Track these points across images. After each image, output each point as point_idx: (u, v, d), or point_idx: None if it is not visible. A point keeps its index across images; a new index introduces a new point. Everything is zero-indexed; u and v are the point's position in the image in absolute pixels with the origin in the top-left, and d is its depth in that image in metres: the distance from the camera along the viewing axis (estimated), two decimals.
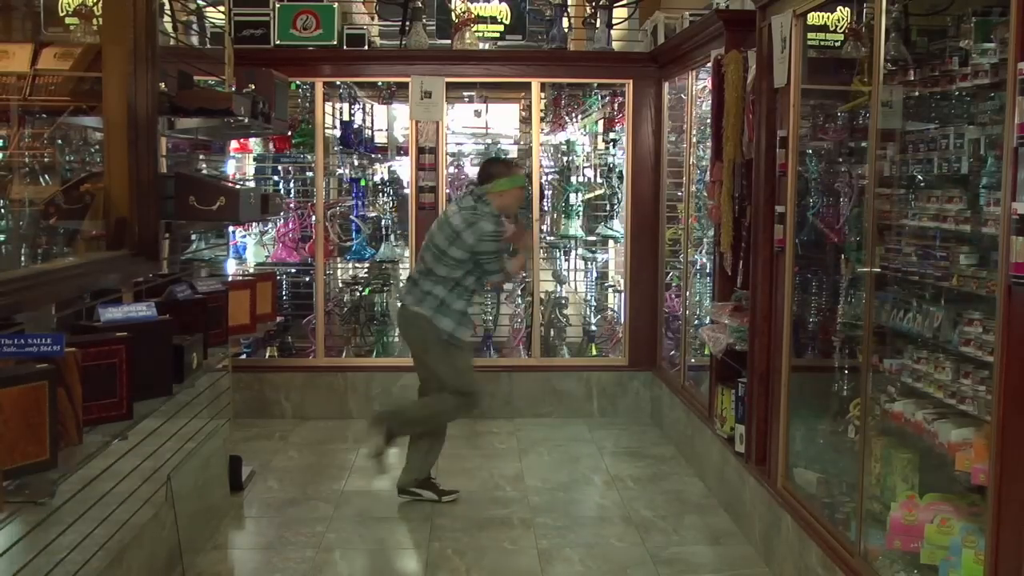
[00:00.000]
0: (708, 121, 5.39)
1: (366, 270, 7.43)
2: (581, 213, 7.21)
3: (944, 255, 3.22)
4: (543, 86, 6.93)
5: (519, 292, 7.04)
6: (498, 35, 6.67)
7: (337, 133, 7.25)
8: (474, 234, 4.65)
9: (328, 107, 6.98)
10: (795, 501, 3.97)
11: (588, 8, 7.14)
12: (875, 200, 3.43)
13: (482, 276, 4.81)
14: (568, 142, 7.60)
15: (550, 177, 7.21)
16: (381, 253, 7.03)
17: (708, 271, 5.71)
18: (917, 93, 3.48)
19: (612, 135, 7.14)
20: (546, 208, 7.10)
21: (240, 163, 7.12)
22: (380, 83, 7.31)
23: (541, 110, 6.98)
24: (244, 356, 6.61)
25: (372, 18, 7.75)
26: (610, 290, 7.57)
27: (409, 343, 4.98)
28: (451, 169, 6.86)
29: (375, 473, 5.07)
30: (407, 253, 6.85)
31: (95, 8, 4.02)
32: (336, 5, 6.42)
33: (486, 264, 4.73)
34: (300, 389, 6.58)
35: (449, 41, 6.59)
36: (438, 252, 4.72)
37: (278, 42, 6.35)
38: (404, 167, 7.13)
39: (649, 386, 6.67)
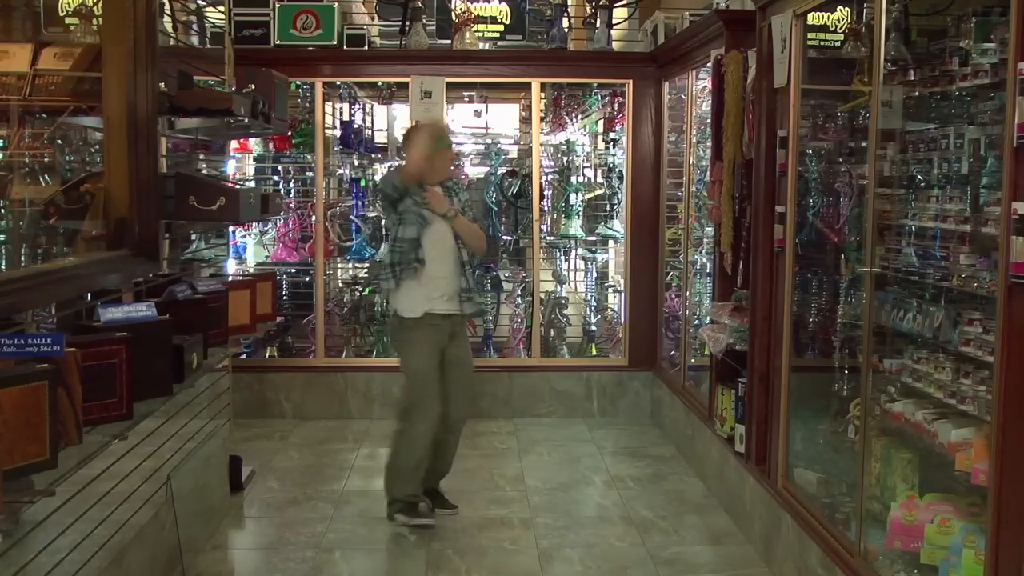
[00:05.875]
0: (708, 121, 5.39)
1: (366, 270, 7.43)
2: (581, 213, 7.21)
3: (944, 255, 3.22)
4: (543, 86, 6.93)
5: (519, 292, 7.04)
6: (498, 35, 6.67)
7: (337, 133, 7.25)
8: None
9: (328, 107, 6.97)
10: (795, 501, 3.96)
11: (588, 8, 7.14)
12: (875, 200, 3.43)
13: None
14: (568, 142, 7.60)
15: (550, 177, 7.21)
16: (381, 253, 7.03)
17: (708, 271, 5.71)
18: (917, 93, 3.48)
19: (612, 135, 7.14)
20: (546, 208, 7.10)
21: (240, 163, 7.11)
22: (380, 83, 7.31)
23: (541, 110, 6.98)
24: (244, 356, 6.60)
25: (372, 18, 7.75)
26: (610, 290, 7.57)
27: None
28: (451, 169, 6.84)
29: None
30: None
31: (95, 8, 4.02)
32: (336, 5, 6.43)
33: None
34: (300, 389, 6.58)
35: (449, 41, 6.59)
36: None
37: (278, 42, 6.35)
38: None
39: (649, 386, 6.67)
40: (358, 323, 7.06)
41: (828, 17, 4.54)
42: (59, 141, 3.92)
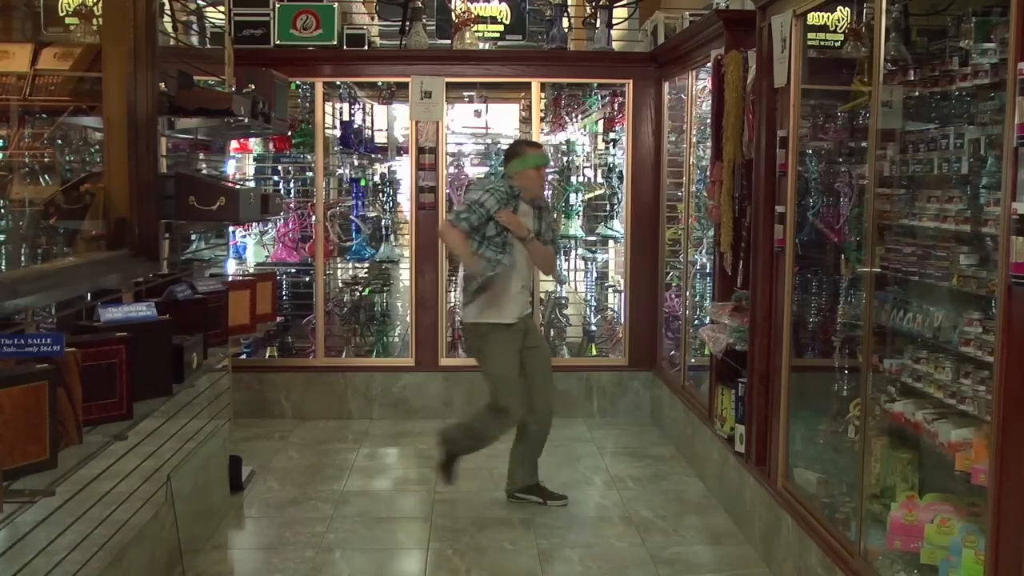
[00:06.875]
0: (708, 121, 5.39)
1: (366, 270, 7.43)
2: (581, 213, 7.22)
3: (944, 255, 3.22)
4: (543, 86, 6.93)
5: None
6: (498, 35, 6.67)
7: (337, 133, 7.25)
8: (467, 193, 4.68)
9: (328, 107, 6.98)
10: (795, 501, 3.96)
11: (588, 8, 7.15)
12: (875, 200, 3.43)
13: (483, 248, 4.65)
14: (568, 142, 7.60)
15: (550, 177, 7.21)
16: (381, 253, 7.04)
17: (708, 271, 5.71)
18: (917, 93, 3.48)
19: (612, 135, 7.14)
20: None
21: (240, 163, 7.12)
22: (380, 83, 7.31)
23: (541, 110, 6.98)
24: (244, 356, 6.60)
25: (372, 18, 7.75)
26: (610, 290, 7.57)
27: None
28: (451, 169, 6.86)
29: (442, 483, 5.01)
30: (406, 253, 6.84)
31: (95, 8, 4.02)
32: (336, 5, 6.43)
33: (454, 216, 4.67)
34: (300, 389, 6.58)
35: (449, 41, 6.59)
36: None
37: (278, 42, 6.35)
38: (404, 167, 7.13)
39: (649, 386, 6.67)
40: (358, 323, 7.07)
41: (828, 17, 4.54)
42: (59, 141, 3.92)
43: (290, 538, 4.45)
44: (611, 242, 7.37)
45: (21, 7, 4.50)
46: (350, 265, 7.48)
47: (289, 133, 6.61)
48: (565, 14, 6.79)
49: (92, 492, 3.15)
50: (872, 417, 3.52)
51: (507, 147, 5.06)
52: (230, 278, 5.11)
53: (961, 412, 3.08)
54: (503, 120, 8.69)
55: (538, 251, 4.78)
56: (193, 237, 5.15)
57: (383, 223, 7.07)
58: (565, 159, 7.33)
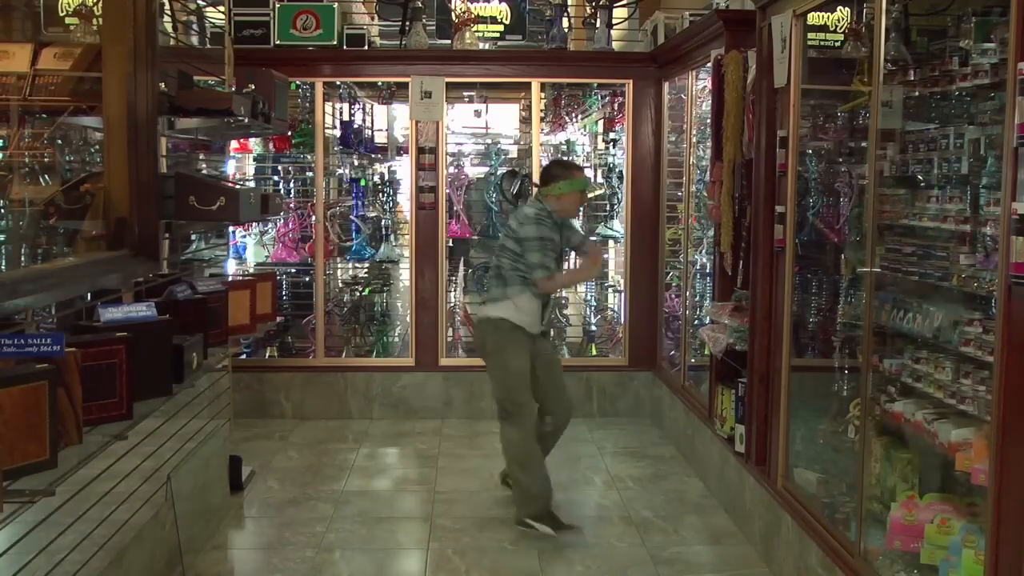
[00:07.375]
0: (708, 121, 5.40)
1: (366, 270, 7.43)
2: (581, 213, 7.21)
3: (944, 255, 3.22)
4: (543, 86, 6.93)
5: None
6: (498, 35, 6.67)
7: (337, 133, 7.25)
8: (516, 218, 4.61)
9: (328, 107, 6.98)
10: (795, 501, 3.97)
11: (588, 8, 7.15)
12: (875, 200, 3.44)
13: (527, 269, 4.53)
14: (568, 142, 7.60)
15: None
16: (381, 253, 7.04)
17: (708, 271, 5.71)
18: (917, 93, 3.48)
19: (612, 135, 7.14)
20: None
21: (240, 163, 7.12)
22: (380, 83, 7.31)
23: (541, 110, 6.98)
24: (244, 356, 6.61)
25: (372, 18, 7.75)
26: (610, 290, 7.57)
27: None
28: (451, 169, 6.86)
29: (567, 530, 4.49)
30: (406, 253, 6.84)
31: (95, 8, 4.02)
32: (336, 5, 6.43)
33: (527, 253, 4.48)
34: (300, 389, 6.58)
35: (449, 41, 6.59)
36: (502, 250, 4.63)
37: (278, 42, 6.35)
38: (404, 167, 7.13)
39: (649, 386, 6.67)
40: (358, 323, 7.07)
41: (828, 17, 4.54)
42: (59, 141, 3.92)
43: (290, 538, 4.45)
44: (611, 242, 7.37)
45: (21, 7, 4.50)
46: (350, 265, 7.48)
47: (289, 133, 6.61)
48: (565, 14, 6.79)
49: (92, 492, 3.15)
50: (872, 417, 3.52)
51: (551, 165, 4.94)
52: (230, 278, 5.11)
53: (961, 412, 3.08)
54: (503, 120, 8.70)
55: (592, 265, 5.06)
56: (193, 237, 5.15)
57: (383, 223, 7.07)
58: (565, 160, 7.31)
